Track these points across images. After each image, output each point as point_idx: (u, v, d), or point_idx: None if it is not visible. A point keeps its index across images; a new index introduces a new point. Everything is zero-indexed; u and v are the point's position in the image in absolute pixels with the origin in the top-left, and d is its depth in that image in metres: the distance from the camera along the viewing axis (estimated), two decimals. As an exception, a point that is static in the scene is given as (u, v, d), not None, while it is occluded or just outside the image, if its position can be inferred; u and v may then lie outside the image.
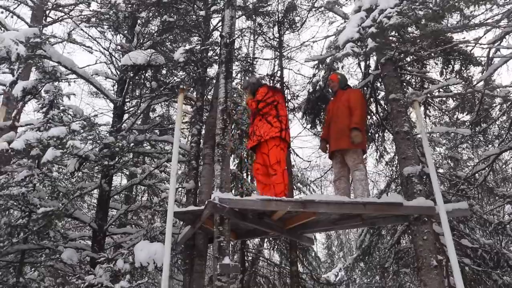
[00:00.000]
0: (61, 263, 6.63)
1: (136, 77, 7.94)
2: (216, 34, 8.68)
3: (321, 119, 8.90)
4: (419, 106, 5.65)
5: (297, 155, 12.66)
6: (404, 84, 8.43)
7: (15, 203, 6.36)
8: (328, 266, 18.31)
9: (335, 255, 21.20)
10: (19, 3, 12.42)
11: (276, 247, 11.05)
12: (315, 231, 6.37)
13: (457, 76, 8.09)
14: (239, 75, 9.70)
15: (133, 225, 8.99)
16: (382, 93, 8.61)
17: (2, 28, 9.57)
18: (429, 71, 8.65)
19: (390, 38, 7.14)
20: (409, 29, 7.36)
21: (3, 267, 6.33)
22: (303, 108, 8.88)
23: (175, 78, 8.42)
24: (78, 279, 5.89)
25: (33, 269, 6.79)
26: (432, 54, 7.79)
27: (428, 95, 7.93)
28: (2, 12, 12.02)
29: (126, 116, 8.52)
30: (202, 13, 8.22)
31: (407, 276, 10.45)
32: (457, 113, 9.70)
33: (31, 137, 6.15)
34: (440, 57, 8.10)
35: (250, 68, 9.33)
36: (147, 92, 8.42)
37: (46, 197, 6.63)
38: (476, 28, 7.15)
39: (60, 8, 13.01)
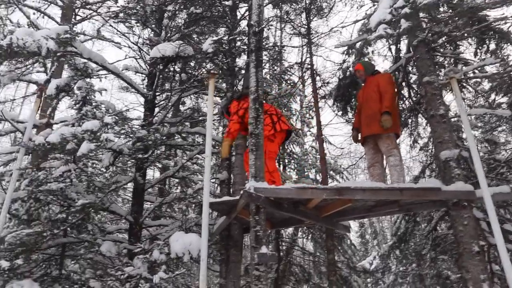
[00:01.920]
0: (100, 256, 6.76)
1: (166, 70, 7.97)
2: (243, 23, 8.65)
3: (352, 106, 8.77)
4: (457, 83, 5.46)
5: (329, 142, 12.54)
6: (437, 66, 8.21)
7: (54, 198, 6.51)
8: (362, 255, 18.14)
9: (369, 243, 20.95)
10: (49, 3, 12.67)
11: (310, 236, 11.00)
12: (350, 218, 6.30)
13: (493, 56, 7.81)
14: (267, 64, 9.66)
15: (167, 217, 9.10)
16: (414, 77, 8.42)
17: (35, 28, 9.77)
18: (462, 52, 8.38)
19: (421, 19, 6.96)
20: (441, 9, 7.15)
21: (46, 259, 6.50)
22: (334, 95, 8.77)
23: (203, 70, 8.43)
24: (117, 271, 6.00)
25: (73, 262, 6.96)
26: (466, 34, 7.53)
27: (463, 76, 7.70)
28: (34, 13, 12.29)
29: (157, 109, 8.59)
30: (229, 3, 8.18)
31: (444, 263, 10.22)
32: (492, 94, 9.38)
33: (66, 131, 6.27)
34: (474, 37, 7.82)
35: (278, 57, 9.26)
36: (176, 85, 8.46)
37: (83, 192, 6.77)
38: (516, 3, 6.85)
39: (88, 6, 13.20)
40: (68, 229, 6.51)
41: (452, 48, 8.11)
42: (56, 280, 6.11)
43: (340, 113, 8.96)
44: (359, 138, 6.56)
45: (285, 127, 6.21)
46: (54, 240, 6.35)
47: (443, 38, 7.58)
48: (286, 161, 10.67)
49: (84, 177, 6.82)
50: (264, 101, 6.56)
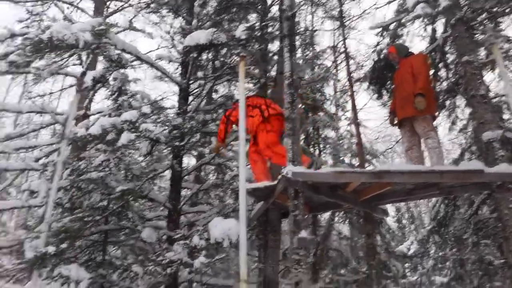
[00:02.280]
0: (141, 242, 6.94)
1: (199, 58, 8.01)
2: (274, 9, 8.58)
3: (387, 89, 8.60)
4: (499, 49, 5.25)
5: (365, 126, 12.46)
6: (477, 45, 7.92)
7: (95, 187, 6.70)
8: (399, 240, 17.90)
9: (406, 228, 20.60)
10: (81, -3, 12.97)
11: (347, 220, 10.93)
12: (389, 202, 6.20)
13: (536, 32, 7.50)
14: (299, 49, 9.58)
15: (205, 204, 9.22)
16: (452, 57, 8.17)
17: (70, 22, 9.99)
18: (504, 29, 8.06)
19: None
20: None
21: (90, 246, 6.73)
22: (369, 78, 8.62)
23: (235, 57, 8.42)
24: (158, 256, 6.15)
25: (115, 248, 7.18)
26: (508, 10, 7.23)
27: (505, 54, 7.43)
28: (68, 8, 12.63)
29: (190, 98, 8.67)
30: (259, -12, 8.13)
31: (487, 248, 9.94)
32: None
33: (105, 122, 6.42)
34: (516, 13, 7.51)
35: (311, 41, 9.16)
36: (209, 73, 8.51)
37: (122, 180, 6.94)
38: None
39: (120, -2, 13.43)
40: (109, 216, 6.70)
41: (492, 25, 7.80)
42: (100, 265, 6.32)
43: (375, 96, 8.81)
44: (395, 122, 6.43)
45: (273, 111, 6.02)
46: (96, 227, 6.56)
47: (483, 15, 7.32)
48: (322, 146, 10.61)
49: (122, 165, 6.97)
50: (254, 96, 6.53)
